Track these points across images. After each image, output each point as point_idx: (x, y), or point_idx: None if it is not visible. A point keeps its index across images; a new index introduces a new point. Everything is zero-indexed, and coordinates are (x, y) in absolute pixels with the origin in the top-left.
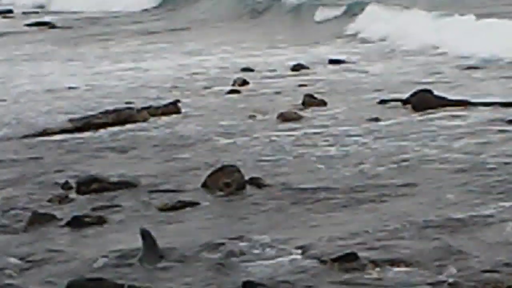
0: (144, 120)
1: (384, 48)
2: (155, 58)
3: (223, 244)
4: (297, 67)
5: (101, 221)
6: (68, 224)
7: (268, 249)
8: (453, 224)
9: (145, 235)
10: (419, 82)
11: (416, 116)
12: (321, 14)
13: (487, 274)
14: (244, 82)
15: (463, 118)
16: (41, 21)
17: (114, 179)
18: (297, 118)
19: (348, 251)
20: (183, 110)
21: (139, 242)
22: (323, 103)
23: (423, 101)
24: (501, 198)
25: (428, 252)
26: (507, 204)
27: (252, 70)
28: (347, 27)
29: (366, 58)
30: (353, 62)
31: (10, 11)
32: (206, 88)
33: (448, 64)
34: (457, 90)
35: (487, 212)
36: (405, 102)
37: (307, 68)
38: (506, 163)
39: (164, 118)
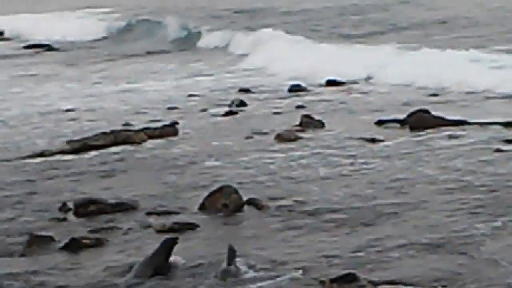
0: (142, 142)
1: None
2: (151, 79)
3: (219, 265)
4: (294, 88)
5: (99, 243)
6: (66, 246)
7: (266, 270)
8: (448, 244)
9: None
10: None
11: (413, 136)
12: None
13: None
14: (242, 103)
15: (460, 138)
16: (39, 44)
17: (112, 201)
18: (295, 139)
19: (346, 271)
20: (180, 132)
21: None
22: (320, 124)
23: (420, 121)
24: (494, 218)
25: (425, 272)
26: (499, 223)
27: (250, 91)
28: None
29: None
30: (353, 83)
31: (1, 33)
32: (203, 110)
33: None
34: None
35: (480, 232)
36: (402, 122)
37: (305, 89)
38: (499, 183)
39: (162, 140)
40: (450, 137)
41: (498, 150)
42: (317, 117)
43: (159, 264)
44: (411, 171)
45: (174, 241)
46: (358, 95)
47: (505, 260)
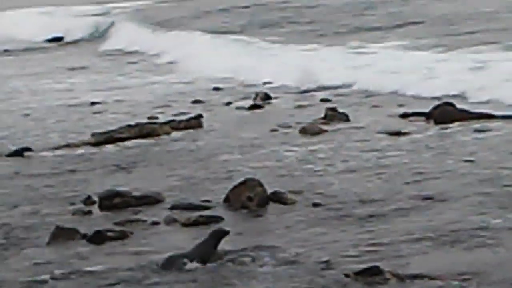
0: (167, 135)
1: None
2: (173, 72)
3: (243, 257)
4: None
5: (124, 236)
6: (91, 239)
7: (290, 263)
8: (472, 237)
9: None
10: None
11: (438, 130)
12: None
13: None
14: (266, 96)
15: (486, 132)
16: (61, 36)
17: (137, 194)
18: (320, 132)
19: (371, 264)
20: (205, 125)
21: (161, 256)
22: (345, 117)
23: (445, 114)
24: None
25: (449, 266)
26: None
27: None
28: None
29: None
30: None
31: None
32: (228, 103)
33: None
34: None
35: (506, 225)
36: (427, 115)
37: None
38: None
39: (187, 133)
40: (475, 130)
41: None
42: (341, 110)
43: (206, 255)
44: (436, 164)
45: (224, 233)
46: (381, 89)
47: None
